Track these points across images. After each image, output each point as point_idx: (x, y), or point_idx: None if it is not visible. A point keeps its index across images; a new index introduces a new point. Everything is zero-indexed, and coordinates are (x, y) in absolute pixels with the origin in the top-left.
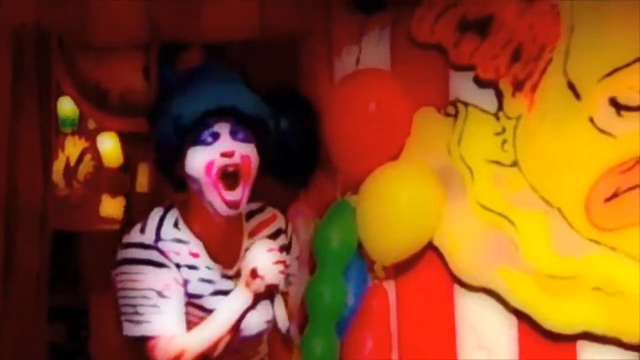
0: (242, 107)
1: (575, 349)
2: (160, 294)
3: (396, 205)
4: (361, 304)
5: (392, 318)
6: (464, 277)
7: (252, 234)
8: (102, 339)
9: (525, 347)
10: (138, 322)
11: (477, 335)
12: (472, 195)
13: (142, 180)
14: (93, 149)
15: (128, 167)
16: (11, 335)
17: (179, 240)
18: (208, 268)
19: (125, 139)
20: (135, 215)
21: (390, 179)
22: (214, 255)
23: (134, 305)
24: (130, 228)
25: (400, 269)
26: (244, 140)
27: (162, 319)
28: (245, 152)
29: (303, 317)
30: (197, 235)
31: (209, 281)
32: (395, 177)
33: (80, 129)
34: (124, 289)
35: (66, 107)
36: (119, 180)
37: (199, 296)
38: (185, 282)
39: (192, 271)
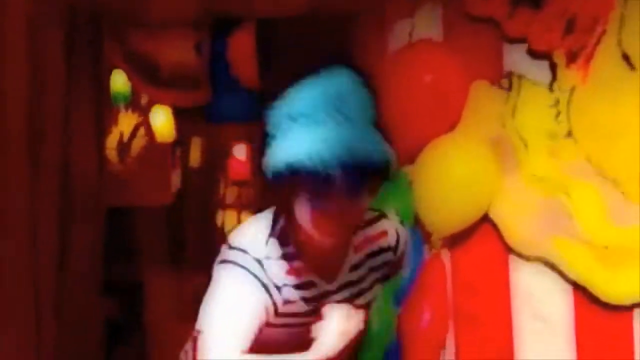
0: (375, 161)
1: (631, 318)
2: (239, 312)
3: (453, 177)
4: (419, 275)
5: (448, 289)
6: (520, 248)
7: (357, 250)
8: (157, 314)
9: (581, 317)
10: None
11: (532, 306)
12: (526, 167)
13: (195, 154)
14: (146, 124)
15: (181, 142)
16: (68, 309)
17: (285, 257)
18: (311, 285)
19: (178, 114)
20: (188, 189)
21: (447, 151)
22: (317, 270)
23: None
24: (239, 226)
25: (456, 240)
26: (360, 193)
27: (225, 334)
28: (359, 207)
29: None
30: (303, 250)
31: (311, 299)
32: (452, 149)
33: (134, 104)
34: (214, 286)
35: (119, 82)
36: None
37: (299, 314)
38: (286, 302)
39: (295, 290)
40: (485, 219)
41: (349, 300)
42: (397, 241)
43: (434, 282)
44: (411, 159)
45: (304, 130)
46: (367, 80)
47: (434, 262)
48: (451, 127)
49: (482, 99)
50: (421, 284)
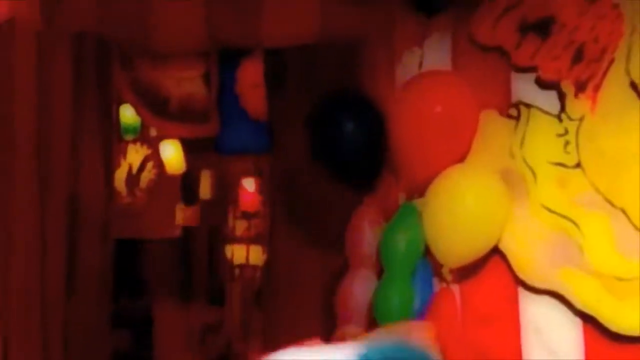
0: None
1: None
2: None
3: (464, 208)
4: (429, 307)
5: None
6: (528, 280)
7: None
8: (165, 347)
9: (591, 349)
10: None
11: (542, 339)
12: (534, 197)
13: (205, 187)
14: (155, 157)
15: (191, 175)
16: (76, 339)
17: None
18: None
19: (187, 146)
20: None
21: (457, 182)
22: None
23: None
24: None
25: (465, 273)
26: None
27: None
28: None
29: (371, 320)
30: None
31: None
32: (462, 180)
33: (143, 136)
34: None
35: (128, 114)
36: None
37: None
38: None
39: None
40: (495, 250)
41: None
42: None
43: (444, 315)
44: (421, 190)
45: None
46: (377, 110)
47: (444, 294)
48: (461, 158)
49: (491, 129)
50: (432, 316)
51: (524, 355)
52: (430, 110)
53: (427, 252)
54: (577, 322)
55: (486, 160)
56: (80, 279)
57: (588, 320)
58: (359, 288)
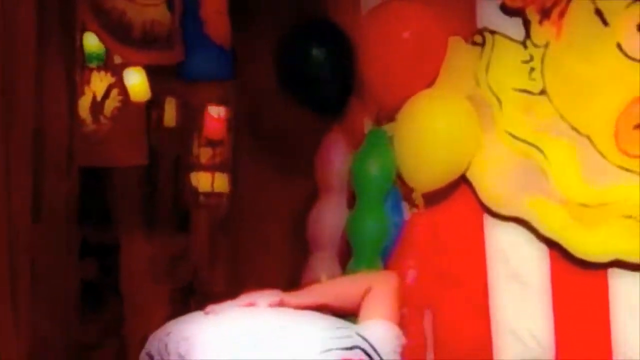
0: None
1: (606, 276)
2: None
3: (434, 133)
4: (403, 233)
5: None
6: (495, 207)
7: None
8: (133, 276)
9: (557, 275)
10: None
11: (508, 265)
12: (500, 124)
13: (170, 114)
14: (120, 84)
15: (155, 101)
16: (43, 271)
17: None
18: None
19: (152, 73)
20: (161, 149)
21: (427, 107)
22: None
23: None
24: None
25: (433, 200)
26: None
27: None
28: None
29: (344, 248)
30: None
31: None
32: (432, 105)
33: (107, 64)
34: None
35: (92, 42)
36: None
37: None
38: None
39: None
40: (462, 178)
41: None
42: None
43: (417, 241)
44: (389, 116)
45: None
46: (344, 37)
47: (416, 220)
48: (429, 84)
49: (457, 55)
50: (405, 242)
51: (490, 281)
52: (399, 35)
53: (397, 177)
54: (543, 248)
55: (455, 86)
56: (47, 208)
57: (554, 246)
58: (330, 214)
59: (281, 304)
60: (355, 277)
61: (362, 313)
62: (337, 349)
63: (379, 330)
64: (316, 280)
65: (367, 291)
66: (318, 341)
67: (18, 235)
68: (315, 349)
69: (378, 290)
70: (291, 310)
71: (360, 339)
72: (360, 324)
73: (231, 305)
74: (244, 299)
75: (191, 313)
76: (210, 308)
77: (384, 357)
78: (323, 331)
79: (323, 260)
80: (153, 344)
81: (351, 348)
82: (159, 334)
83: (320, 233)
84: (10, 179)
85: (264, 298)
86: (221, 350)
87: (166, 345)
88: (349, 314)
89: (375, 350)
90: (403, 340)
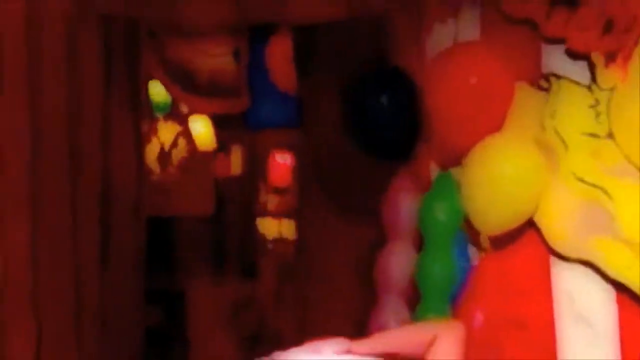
0: None
1: None
2: None
3: (501, 176)
4: (470, 277)
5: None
6: (561, 250)
7: None
8: (198, 323)
9: (625, 318)
10: None
11: (575, 308)
12: (566, 168)
13: (236, 162)
14: (186, 133)
15: (222, 150)
16: (110, 315)
17: None
18: None
19: (218, 122)
20: (228, 196)
21: (494, 151)
22: None
23: None
24: None
25: (500, 244)
26: None
27: None
28: None
29: (412, 292)
30: None
31: None
32: (500, 148)
33: (173, 113)
34: None
35: (158, 92)
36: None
37: None
38: None
39: None
40: (528, 222)
41: None
42: None
43: (484, 285)
44: (455, 161)
45: None
46: (409, 83)
47: (484, 264)
48: (496, 129)
49: (524, 100)
50: (472, 286)
51: (558, 325)
52: (465, 81)
53: (464, 221)
54: (610, 290)
55: (522, 131)
56: (114, 256)
57: (621, 289)
58: (398, 259)
59: (347, 352)
60: (422, 326)
61: None
62: None
63: None
64: (385, 326)
65: (432, 340)
66: None
67: (85, 282)
68: None
69: (444, 339)
70: (358, 358)
71: None
72: None
73: (297, 353)
74: (310, 346)
75: None
76: (276, 355)
77: None
78: None
79: (391, 305)
80: None
81: None
82: None
83: (388, 278)
84: (78, 228)
85: (330, 346)
86: None
87: None
88: None
89: None
90: None
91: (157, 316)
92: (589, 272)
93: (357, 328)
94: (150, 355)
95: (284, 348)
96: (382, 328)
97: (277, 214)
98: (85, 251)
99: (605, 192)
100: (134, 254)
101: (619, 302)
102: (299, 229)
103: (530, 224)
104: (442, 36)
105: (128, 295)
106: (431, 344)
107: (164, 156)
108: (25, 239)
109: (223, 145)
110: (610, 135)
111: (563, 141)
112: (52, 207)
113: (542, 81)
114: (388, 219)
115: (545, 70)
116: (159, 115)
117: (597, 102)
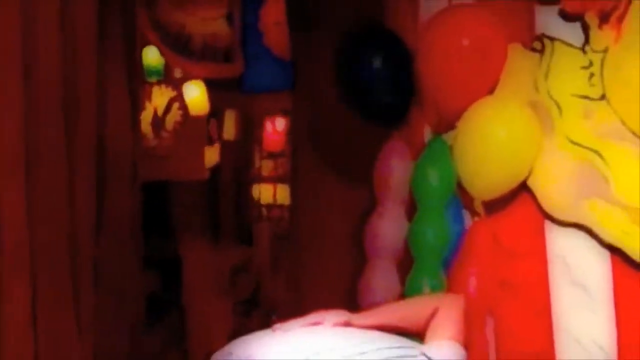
0: None
1: None
2: None
3: (495, 140)
4: (464, 241)
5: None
6: (555, 213)
7: None
8: (195, 289)
9: (619, 280)
10: None
11: (570, 271)
12: (560, 130)
13: (229, 127)
14: (180, 98)
15: (215, 115)
16: (107, 278)
17: None
18: None
19: (211, 86)
20: (222, 162)
21: (488, 114)
22: None
23: None
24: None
25: (492, 208)
26: None
27: None
28: None
29: (404, 257)
30: None
31: None
32: (494, 112)
33: (167, 78)
34: None
35: (151, 56)
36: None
37: None
38: None
39: None
40: (522, 186)
41: None
42: None
43: (478, 249)
44: (449, 124)
45: None
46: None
47: (477, 228)
48: (489, 91)
49: (517, 62)
50: (466, 250)
51: (552, 288)
52: (458, 43)
53: (457, 186)
54: (605, 253)
55: (515, 93)
56: (110, 221)
57: (615, 251)
58: (389, 223)
59: (347, 325)
60: (422, 299)
61: (429, 334)
62: None
63: (445, 350)
64: (374, 290)
65: (433, 313)
66: None
67: (81, 246)
68: None
69: (445, 312)
70: (357, 330)
71: (426, 359)
72: (427, 344)
73: (297, 324)
74: (311, 318)
75: (254, 332)
76: (277, 326)
77: None
78: (389, 350)
79: (381, 269)
80: None
81: None
82: (222, 354)
83: (378, 242)
84: (73, 191)
85: (330, 318)
86: None
87: None
88: (414, 334)
89: None
90: None
91: (155, 282)
92: (583, 235)
93: (349, 291)
94: (147, 320)
95: (282, 315)
96: (371, 292)
97: (272, 180)
98: (80, 215)
99: (600, 155)
100: (130, 219)
101: (614, 265)
102: (293, 194)
103: (524, 188)
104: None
105: (125, 260)
106: (432, 316)
107: (157, 121)
108: (20, 200)
109: (217, 110)
110: (604, 97)
111: (556, 103)
112: (46, 169)
113: (536, 43)
114: (380, 183)
115: (538, 31)
116: (153, 80)
117: (591, 63)
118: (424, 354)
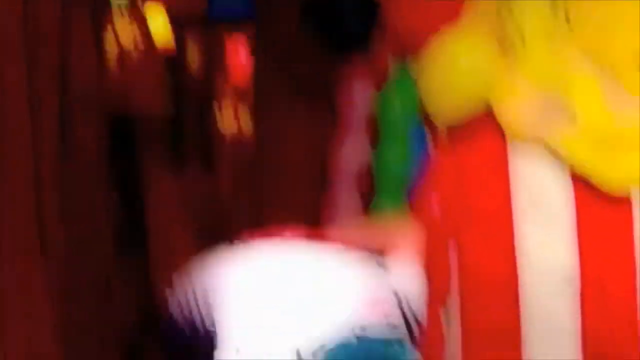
0: None
1: (630, 205)
2: None
3: (458, 68)
4: (427, 169)
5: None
6: (519, 139)
7: None
8: (157, 216)
9: (581, 204)
10: None
11: (533, 198)
12: (524, 60)
13: (192, 60)
14: (144, 31)
15: (179, 47)
16: (75, 218)
17: None
18: None
19: (174, 19)
20: (186, 95)
21: (450, 44)
22: None
23: None
24: None
25: (456, 135)
26: None
27: None
28: None
29: (368, 185)
30: None
31: None
32: (456, 41)
33: (131, 11)
34: None
35: None
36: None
37: None
38: None
39: None
40: (486, 113)
41: None
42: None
43: (441, 177)
44: (415, 50)
45: None
46: None
47: (441, 156)
48: (454, 16)
49: None
50: (428, 178)
51: (515, 214)
52: None
53: (421, 113)
54: (567, 178)
55: (478, 23)
56: (75, 152)
57: (577, 175)
58: (351, 150)
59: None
60: (378, 229)
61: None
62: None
63: (408, 275)
64: (337, 216)
65: (392, 236)
66: (351, 278)
67: (45, 178)
68: (349, 285)
69: (404, 236)
70: (315, 242)
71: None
72: (390, 267)
73: (255, 239)
74: (269, 231)
75: (215, 249)
76: (237, 241)
77: (411, 303)
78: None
79: (343, 196)
80: (180, 289)
81: (380, 286)
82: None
83: (341, 168)
84: (35, 119)
85: (288, 231)
86: (251, 285)
87: (194, 290)
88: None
89: (404, 295)
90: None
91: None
92: (546, 162)
93: (312, 217)
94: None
95: (243, 236)
96: (334, 219)
97: (235, 109)
98: (44, 145)
99: (564, 82)
100: (96, 150)
101: (576, 188)
102: (256, 122)
103: (488, 117)
104: None
105: (91, 189)
106: (390, 241)
107: (121, 54)
108: None
109: (180, 42)
110: (568, 25)
111: (520, 32)
112: (9, 98)
113: None
114: (342, 109)
115: None
116: (118, 7)
117: None
118: (380, 265)
